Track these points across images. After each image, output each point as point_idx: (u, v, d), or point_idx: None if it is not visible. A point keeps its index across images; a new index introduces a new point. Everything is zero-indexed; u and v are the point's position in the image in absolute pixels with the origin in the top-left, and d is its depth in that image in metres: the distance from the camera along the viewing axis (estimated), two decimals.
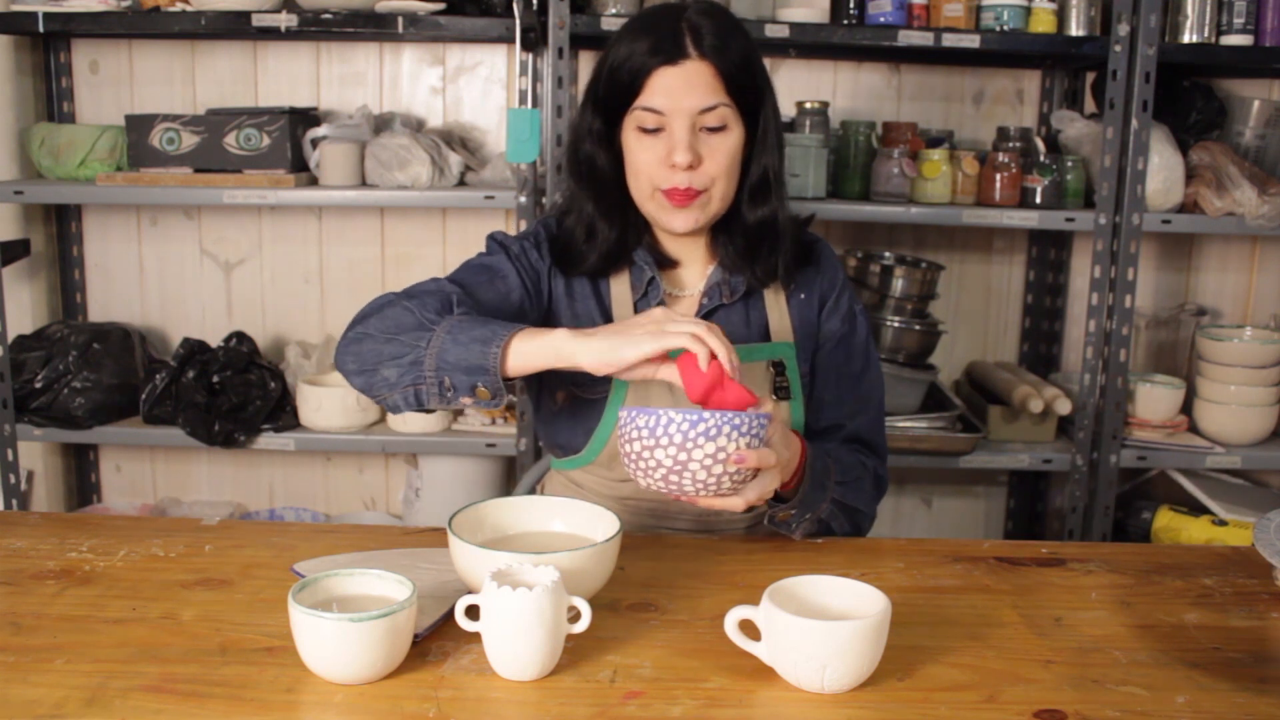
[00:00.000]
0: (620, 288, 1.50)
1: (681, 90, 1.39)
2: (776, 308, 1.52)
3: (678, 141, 1.39)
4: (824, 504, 1.40)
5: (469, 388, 1.25)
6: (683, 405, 1.24)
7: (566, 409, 1.50)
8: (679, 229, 1.45)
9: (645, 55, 1.39)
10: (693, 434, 1.15)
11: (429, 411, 1.32)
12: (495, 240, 1.52)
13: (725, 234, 1.50)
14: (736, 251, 1.49)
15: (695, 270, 1.54)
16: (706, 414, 1.15)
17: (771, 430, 1.24)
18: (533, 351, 1.24)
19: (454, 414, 2.57)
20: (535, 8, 2.33)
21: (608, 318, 1.50)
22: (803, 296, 1.54)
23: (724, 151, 1.42)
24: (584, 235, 1.49)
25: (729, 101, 1.40)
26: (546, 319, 1.51)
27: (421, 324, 1.28)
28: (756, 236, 1.49)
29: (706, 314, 1.51)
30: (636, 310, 1.49)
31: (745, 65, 1.42)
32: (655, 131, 1.41)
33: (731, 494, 1.21)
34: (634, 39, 1.41)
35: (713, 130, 1.41)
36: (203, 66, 2.73)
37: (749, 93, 1.43)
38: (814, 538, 1.43)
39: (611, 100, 1.43)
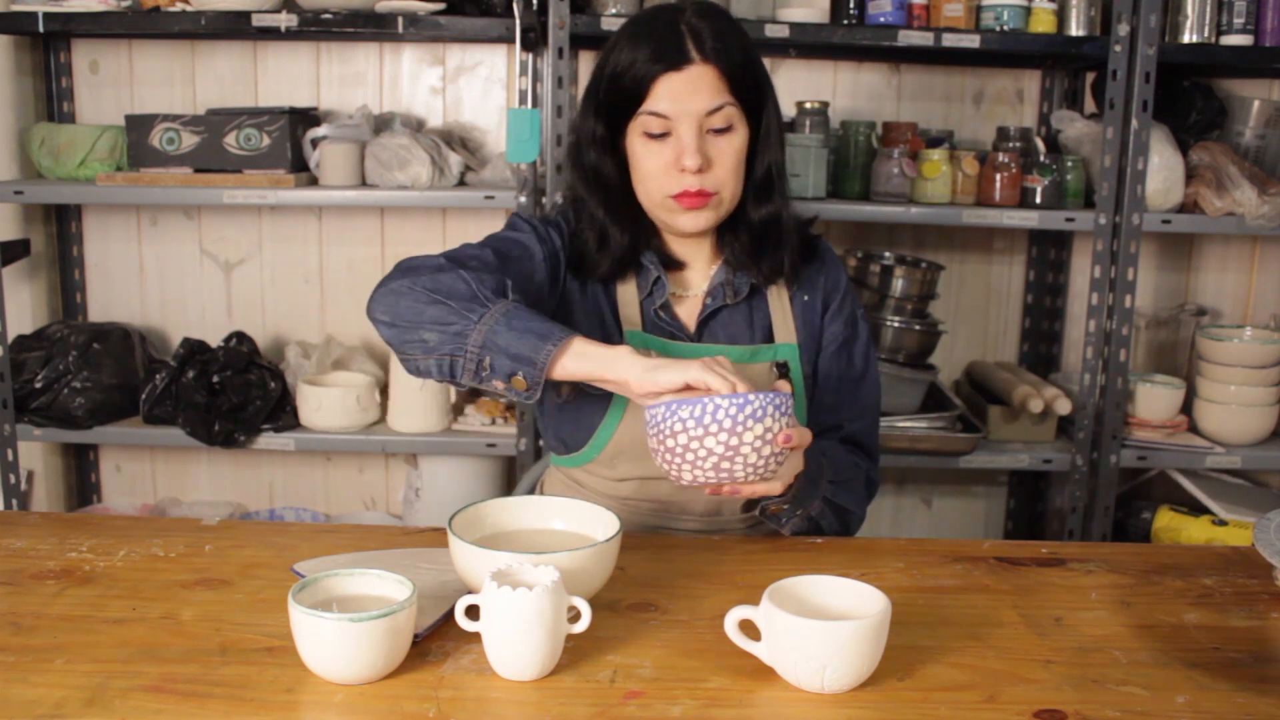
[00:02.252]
0: (626, 287, 1.51)
1: (687, 94, 1.39)
2: (780, 309, 1.52)
3: (686, 145, 1.39)
4: (816, 501, 1.40)
5: (507, 374, 1.23)
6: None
7: (570, 405, 1.51)
8: (690, 229, 1.45)
9: (648, 61, 1.39)
10: (741, 416, 1.15)
11: (454, 384, 1.28)
12: (522, 218, 1.50)
13: (731, 233, 1.50)
14: (742, 249, 1.50)
15: (700, 271, 1.54)
16: (750, 395, 1.16)
17: None
18: (589, 364, 1.23)
19: (454, 414, 2.57)
20: (535, 8, 2.33)
21: (614, 315, 1.50)
22: (806, 298, 1.54)
23: (731, 152, 1.42)
24: (597, 243, 1.49)
25: (733, 101, 1.41)
26: (559, 309, 1.50)
27: (475, 296, 1.25)
28: (762, 234, 1.49)
29: (710, 314, 1.51)
30: (642, 310, 1.50)
31: (747, 65, 1.43)
32: (661, 136, 1.41)
33: (773, 477, 1.23)
34: (634, 45, 1.41)
35: (719, 132, 1.41)
36: (203, 66, 2.73)
37: (752, 92, 1.43)
38: (803, 535, 1.44)
39: (615, 107, 1.43)
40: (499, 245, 1.42)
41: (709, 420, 1.16)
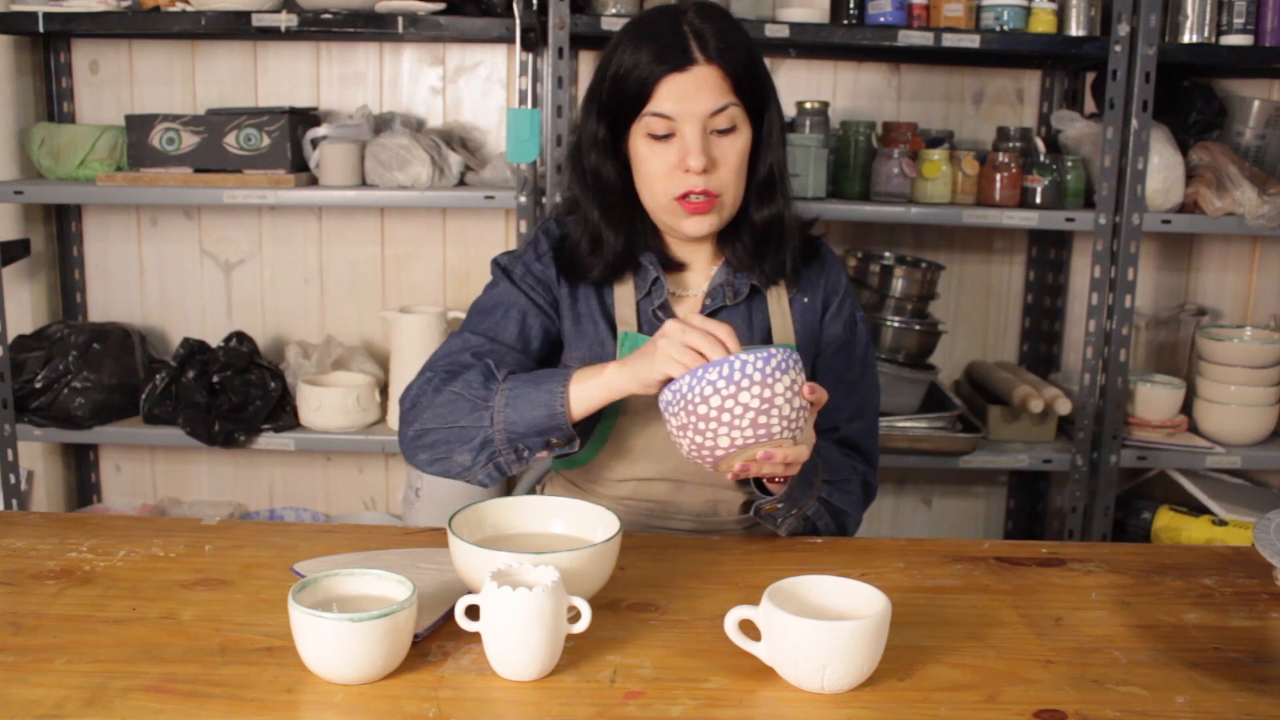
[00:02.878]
0: (624, 288, 1.50)
1: (692, 95, 1.38)
2: (779, 310, 1.52)
3: (690, 146, 1.39)
4: (810, 501, 1.40)
5: (543, 445, 1.33)
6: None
7: None
8: (694, 234, 1.45)
9: (652, 63, 1.39)
10: (769, 369, 1.17)
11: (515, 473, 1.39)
12: (498, 266, 1.53)
13: (733, 234, 1.50)
14: (744, 250, 1.49)
15: (700, 271, 1.54)
16: (772, 349, 1.18)
17: None
18: (592, 396, 1.30)
19: None
20: (535, 8, 2.33)
21: (609, 318, 1.50)
22: (806, 300, 1.54)
23: (735, 153, 1.42)
24: (589, 246, 1.49)
25: (737, 102, 1.40)
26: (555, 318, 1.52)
27: (475, 404, 1.34)
28: (764, 235, 1.49)
29: (709, 314, 1.50)
30: (639, 310, 1.50)
31: (750, 65, 1.42)
32: (666, 138, 1.41)
33: (802, 438, 1.24)
34: (637, 46, 1.40)
35: (723, 133, 1.41)
36: (203, 66, 2.73)
37: (755, 92, 1.43)
38: (799, 535, 1.43)
39: (618, 108, 1.43)
40: (478, 324, 1.47)
41: (739, 377, 1.17)
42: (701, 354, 1.21)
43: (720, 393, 1.17)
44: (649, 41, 1.40)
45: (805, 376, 1.22)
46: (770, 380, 1.17)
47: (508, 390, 1.33)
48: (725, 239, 1.51)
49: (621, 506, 1.50)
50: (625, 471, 1.49)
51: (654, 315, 1.49)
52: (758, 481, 1.36)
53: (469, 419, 1.33)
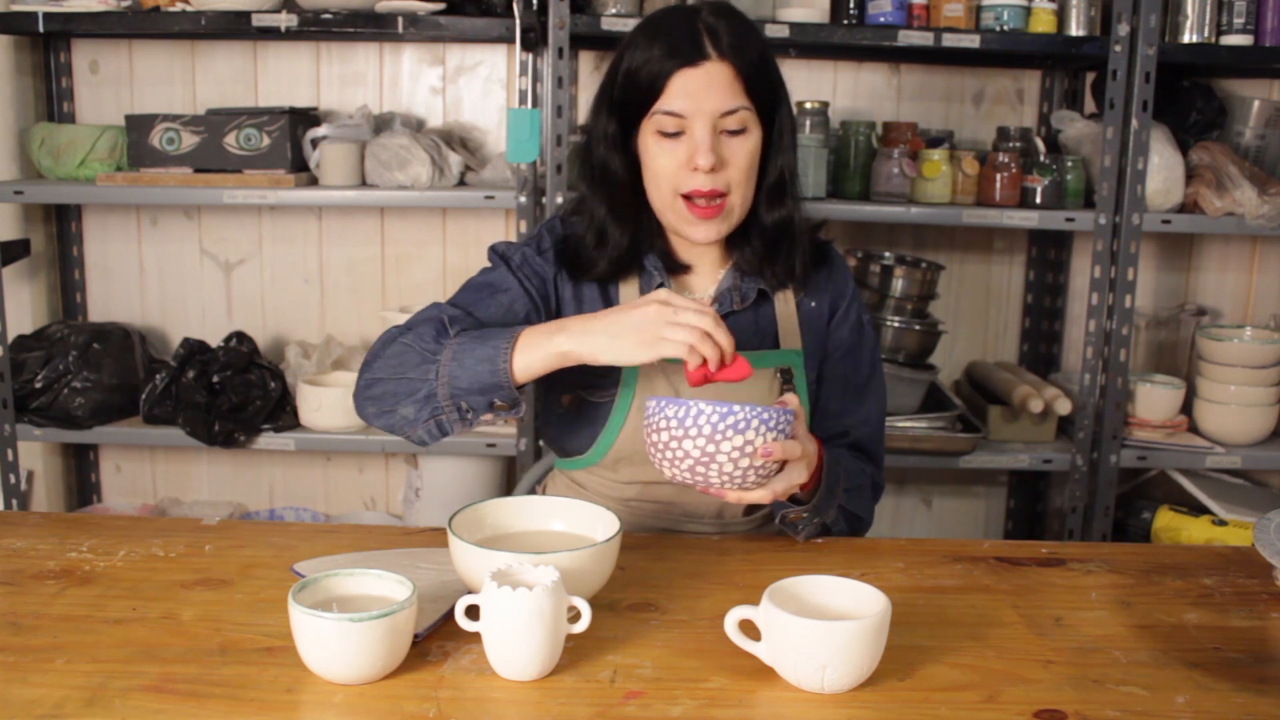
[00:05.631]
0: (629, 291, 1.50)
1: (702, 92, 1.38)
2: (786, 314, 1.52)
3: (699, 144, 1.38)
4: (832, 510, 1.40)
5: (486, 405, 1.29)
6: (685, 390, 1.28)
7: (572, 412, 1.50)
8: (701, 240, 1.45)
9: (664, 58, 1.38)
10: (721, 426, 1.16)
11: (456, 434, 1.35)
12: (496, 252, 1.52)
13: (742, 237, 1.49)
14: (754, 254, 1.49)
15: (706, 275, 1.53)
16: (736, 406, 1.17)
17: (796, 426, 1.25)
18: (536, 359, 1.27)
19: None
20: (535, 8, 2.33)
21: None
22: (813, 304, 1.53)
23: (744, 155, 1.41)
24: (594, 241, 1.48)
25: (748, 104, 1.40)
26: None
27: (424, 356, 1.31)
28: (774, 238, 1.48)
29: None
30: None
31: (763, 65, 1.42)
32: (675, 135, 1.40)
33: (756, 487, 1.22)
34: (649, 42, 1.40)
35: (733, 134, 1.40)
36: (203, 66, 2.73)
37: (766, 93, 1.42)
38: (814, 539, 1.43)
39: (629, 104, 1.42)
40: (462, 296, 1.46)
41: (690, 424, 1.17)
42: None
43: (670, 430, 1.18)
44: (662, 37, 1.40)
45: (780, 436, 1.19)
46: (718, 437, 1.17)
47: (456, 345, 1.29)
48: (734, 242, 1.50)
49: (627, 509, 1.50)
50: (632, 474, 1.49)
51: None
52: None
53: (416, 371, 1.31)
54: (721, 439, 1.17)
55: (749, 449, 1.17)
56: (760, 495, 1.23)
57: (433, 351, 1.30)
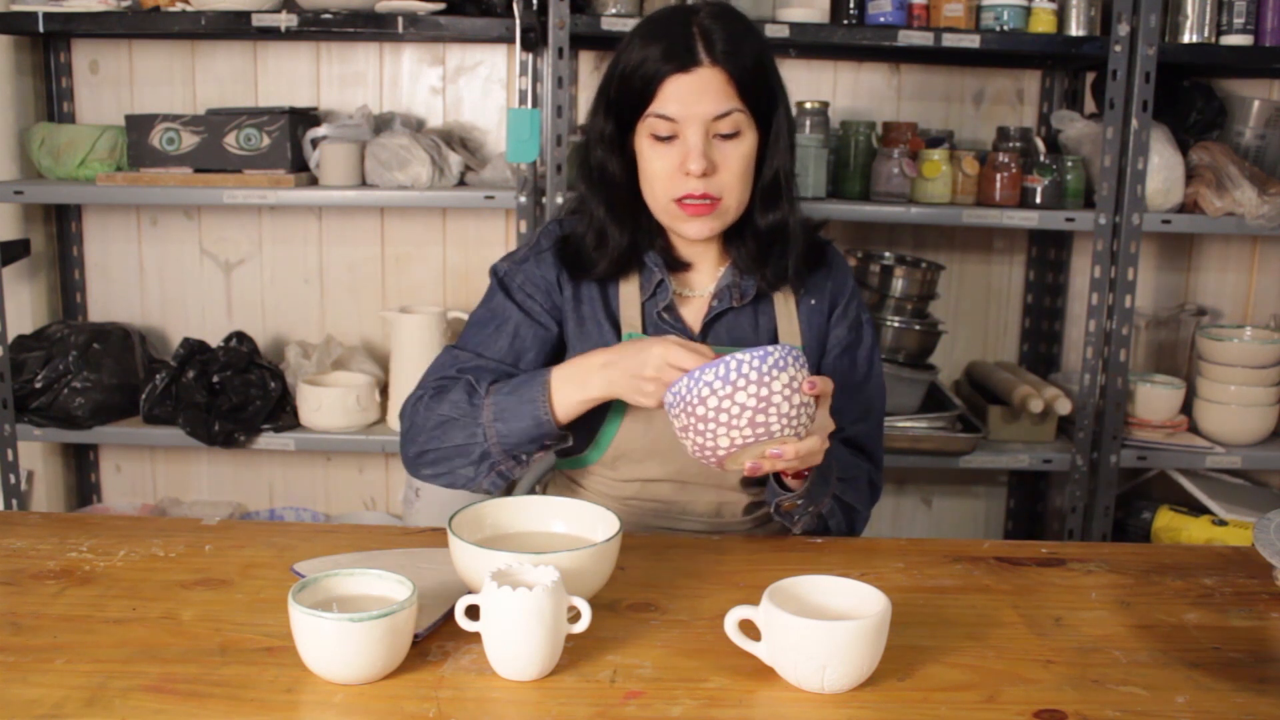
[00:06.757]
0: (629, 289, 1.50)
1: (694, 98, 1.38)
2: (785, 313, 1.52)
3: (691, 149, 1.38)
4: (827, 498, 1.40)
5: (538, 447, 1.40)
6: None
7: None
8: (693, 236, 1.45)
9: (658, 62, 1.38)
10: (765, 367, 1.18)
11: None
12: (495, 275, 1.54)
13: (738, 237, 1.50)
14: (749, 255, 1.49)
15: (706, 272, 1.53)
16: (769, 347, 1.19)
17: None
18: (573, 405, 1.36)
19: None
20: (535, 8, 2.33)
21: (613, 318, 1.49)
22: (813, 302, 1.53)
23: (738, 158, 1.41)
24: (595, 241, 1.48)
25: (742, 107, 1.40)
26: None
27: (466, 424, 1.39)
28: (768, 240, 1.48)
29: (715, 316, 1.50)
30: (644, 311, 1.49)
31: (758, 69, 1.41)
32: (669, 139, 1.40)
33: (808, 435, 1.23)
34: (645, 44, 1.40)
35: (726, 137, 1.40)
36: (203, 66, 2.73)
37: (762, 96, 1.42)
38: (811, 534, 1.43)
39: (624, 106, 1.43)
40: (470, 338, 1.50)
41: (735, 376, 1.17)
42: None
43: (717, 393, 1.18)
44: (657, 39, 1.40)
45: (809, 371, 1.22)
46: (766, 379, 1.17)
47: (493, 405, 1.37)
48: (732, 240, 1.51)
49: (626, 507, 1.50)
50: (630, 472, 1.49)
51: (659, 317, 1.49)
52: (777, 477, 1.36)
53: (463, 437, 1.39)
54: (770, 379, 1.17)
55: (795, 384, 1.19)
56: (813, 444, 1.24)
57: (472, 416, 1.38)
